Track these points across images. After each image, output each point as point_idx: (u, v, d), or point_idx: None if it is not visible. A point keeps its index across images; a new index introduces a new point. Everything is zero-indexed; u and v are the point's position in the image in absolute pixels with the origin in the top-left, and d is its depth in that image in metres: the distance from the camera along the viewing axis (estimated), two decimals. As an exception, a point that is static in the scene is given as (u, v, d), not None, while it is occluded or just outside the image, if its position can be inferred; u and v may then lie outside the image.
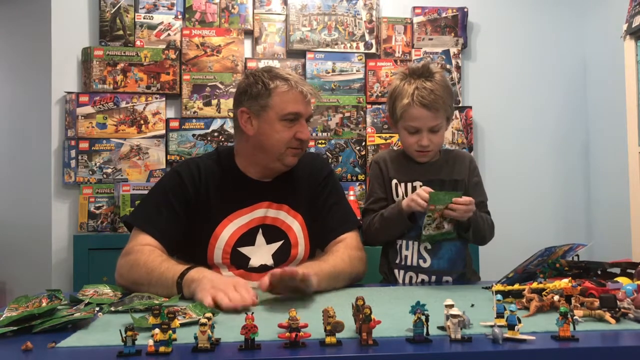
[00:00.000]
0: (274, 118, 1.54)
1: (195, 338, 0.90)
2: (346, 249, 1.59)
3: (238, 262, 1.56)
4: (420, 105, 1.62)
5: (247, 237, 1.57)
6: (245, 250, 1.56)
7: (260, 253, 1.57)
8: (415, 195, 1.57)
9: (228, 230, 1.55)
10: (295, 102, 1.54)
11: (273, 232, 1.59)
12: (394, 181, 1.71)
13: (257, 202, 1.59)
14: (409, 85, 1.64)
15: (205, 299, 1.22)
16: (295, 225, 1.62)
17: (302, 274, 1.28)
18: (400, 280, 1.68)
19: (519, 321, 0.95)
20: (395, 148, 1.73)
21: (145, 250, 1.47)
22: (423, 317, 0.94)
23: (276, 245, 1.59)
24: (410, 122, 1.65)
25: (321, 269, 1.45)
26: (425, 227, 1.57)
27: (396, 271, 1.69)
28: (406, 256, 1.68)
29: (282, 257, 1.59)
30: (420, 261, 1.66)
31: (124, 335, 0.88)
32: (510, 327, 0.94)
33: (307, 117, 1.58)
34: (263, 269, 1.56)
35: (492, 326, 0.96)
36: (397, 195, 1.70)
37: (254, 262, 1.56)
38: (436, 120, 1.64)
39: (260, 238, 1.58)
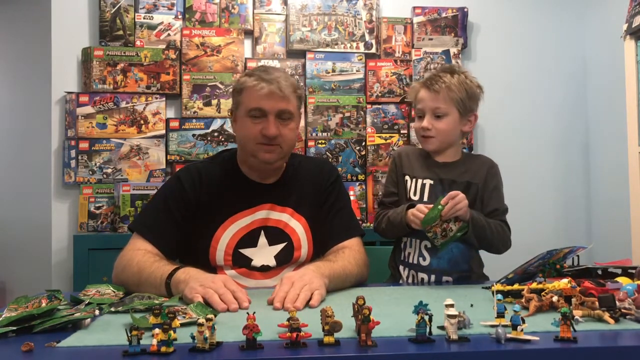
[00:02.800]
0: (243, 114, 1.55)
1: (192, 338, 0.90)
2: (352, 252, 1.59)
3: (240, 263, 1.56)
4: (423, 86, 1.70)
5: (248, 239, 1.57)
6: (246, 251, 1.56)
7: (263, 254, 1.57)
8: (411, 216, 1.58)
9: (229, 232, 1.55)
10: (258, 98, 1.52)
11: (275, 233, 1.59)
12: (406, 177, 1.73)
13: (259, 204, 1.59)
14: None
15: (195, 299, 1.22)
16: (298, 228, 1.61)
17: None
18: (404, 277, 1.69)
19: (523, 321, 0.95)
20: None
21: (139, 252, 1.48)
22: (426, 317, 0.94)
23: (279, 247, 1.59)
24: (417, 104, 1.72)
25: (332, 270, 1.45)
26: (435, 241, 1.56)
27: (401, 267, 1.71)
28: (409, 253, 1.69)
29: (285, 258, 1.59)
30: (420, 259, 1.66)
31: (129, 334, 0.88)
32: (514, 327, 0.95)
33: (277, 114, 1.53)
34: (265, 269, 1.57)
35: (495, 326, 0.96)
36: (408, 191, 1.71)
37: (256, 262, 1.56)
38: (437, 103, 1.67)
39: (262, 239, 1.58)
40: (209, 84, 2.91)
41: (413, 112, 1.88)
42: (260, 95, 1.52)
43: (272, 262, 1.57)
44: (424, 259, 1.66)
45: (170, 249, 1.54)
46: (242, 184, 1.61)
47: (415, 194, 1.69)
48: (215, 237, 1.55)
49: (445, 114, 1.67)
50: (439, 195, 1.56)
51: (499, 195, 1.72)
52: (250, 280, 1.55)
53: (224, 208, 1.57)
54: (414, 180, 1.71)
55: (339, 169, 2.95)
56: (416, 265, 1.66)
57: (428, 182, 1.69)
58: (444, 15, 3.11)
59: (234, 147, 1.71)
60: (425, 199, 1.67)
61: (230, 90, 2.85)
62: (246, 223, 1.57)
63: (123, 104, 2.84)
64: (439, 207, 1.51)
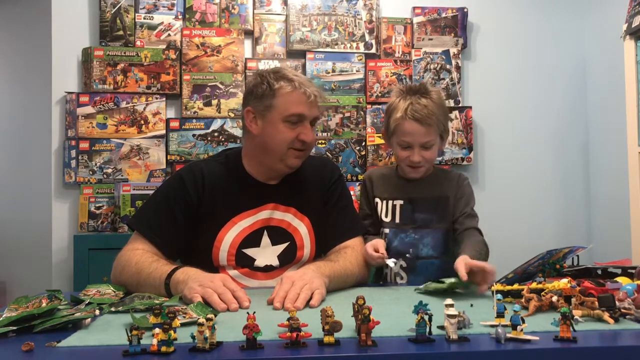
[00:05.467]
0: (277, 119, 1.52)
1: (193, 338, 0.91)
2: (354, 252, 1.59)
3: (243, 263, 1.55)
4: (412, 119, 1.63)
5: (252, 239, 1.56)
6: (250, 251, 1.56)
7: (266, 254, 1.57)
8: (366, 252, 1.55)
9: (232, 233, 1.55)
10: (298, 104, 1.52)
11: (279, 233, 1.58)
12: (377, 199, 1.74)
13: (263, 205, 1.58)
14: (404, 101, 1.66)
15: (195, 299, 1.22)
16: (301, 227, 1.61)
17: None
18: None
19: (523, 321, 0.95)
20: (388, 165, 1.76)
21: (138, 252, 1.48)
22: (426, 317, 0.95)
23: (282, 247, 1.58)
24: (403, 136, 1.66)
25: (333, 270, 1.46)
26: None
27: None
28: (386, 273, 1.71)
29: (287, 258, 1.59)
30: (398, 278, 1.68)
31: (129, 334, 0.88)
32: (514, 327, 0.95)
33: (311, 120, 1.56)
34: (268, 269, 1.57)
35: (495, 326, 0.96)
36: (380, 213, 1.73)
37: (259, 262, 1.56)
38: (428, 137, 1.65)
39: (265, 239, 1.57)
40: (209, 84, 2.92)
41: (383, 134, 1.79)
42: (300, 102, 1.52)
43: (275, 262, 1.57)
44: (402, 278, 1.68)
45: (171, 249, 1.53)
46: (247, 184, 1.60)
47: (387, 216, 1.72)
48: (219, 237, 1.54)
49: (433, 143, 1.67)
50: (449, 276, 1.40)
51: (467, 199, 1.72)
52: (253, 280, 1.55)
53: (228, 208, 1.56)
54: (384, 202, 1.73)
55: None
56: (394, 285, 1.66)
57: (398, 203, 1.71)
58: (443, 15, 3.11)
59: (237, 146, 1.69)
60: (397, 220, 1.70)
61: (235, 90, 2.89)
62: (250, 223, 1.56)
63: (123, 104, 2.84)
64: (455, 282, 1.35)
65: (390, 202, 1.72)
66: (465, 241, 1.59)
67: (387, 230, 1.72)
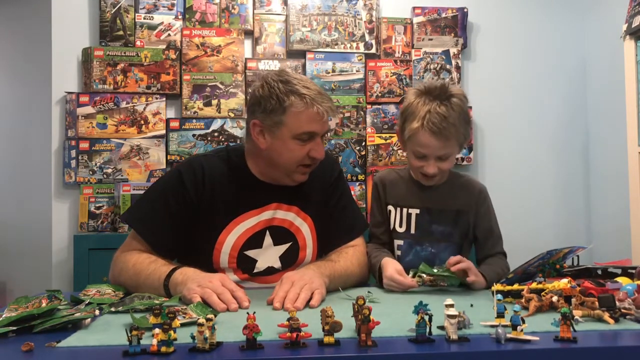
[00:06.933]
0: (287, 136, 1.46)
1: (192, 338, 0.91)
2: (355, 252, 1.58)
3: (245, 265, 1.53)
4: (430, 132, 1.50)
5: (254, 240, 1.53)
6: (252, 253, 1.53)
7: (268, 255, 1.54)
8: (392, 282, 1.45)
9: (234, 234, 1.51)
10: (310, 122, 1.45)
11: (281, 233, 1.55)
12: (389, 207, 1.65)
13: (266, 204, 1.54)
14: (423, 105, 1.52)
15: (194, 299, 1.21)
16: (304, 227, 1.58)
17: None
18: None
19: (523, 321, 0.95)
20: (401, 167, 1.65)
21: (135, 253, 1.46)
22: (426, 317, 0.95)
23: (284, 247, 1.55)
24: (418, 147, 1.54)
25: (333, 270, 1.45)
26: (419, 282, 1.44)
27: None
28: None
29: (290, 259, 1.56)
30: None
31: (129, 334, 0.88)
32: (514, 327, 0.95)
33: (322, 135, 1.51)
34: (270, 271, 1.54)
35: (495, 326, 0.96)
36: (393, 223, 1.64)
37: (261, 264, 1.53)
38: (445, 150, 1.54)
39: (267, 239, 1.54)
40: (209, 84, 2.92)
41: (397, 135, 1.68)
42: (313, 120, 1.45)
43: (277, 264, 1.55)
44: None
45: (167, 249, 1.50)
46: (250, 184, 1.55)
47: (401, 226, 1.63)
48: (220, 239, 1.50)
49: (450, 154, 1.56)
50: (439, 263, 1.50)
51: (490, 222, 1.65)
52: (254, 284, 1.54)
53: (229, 208, 1.52)
54: (398, 209, 1.64)
55: (339, 169, 2.95)
56: None
57: (414, 211, 1.62)
58: (443, 15, 3.11)
59: (239, 145, 1.66)
60: (412, 231, 1.61)
61: (235, 90, 2.89)
62: (252, 224, 1.53)
63: (123, 104, 2.84)
64: (445, 273, 1.42)
65: (405, 210, 1.62)
66: (487, 261, 1.58)
67: (400, 242, 1.63)
